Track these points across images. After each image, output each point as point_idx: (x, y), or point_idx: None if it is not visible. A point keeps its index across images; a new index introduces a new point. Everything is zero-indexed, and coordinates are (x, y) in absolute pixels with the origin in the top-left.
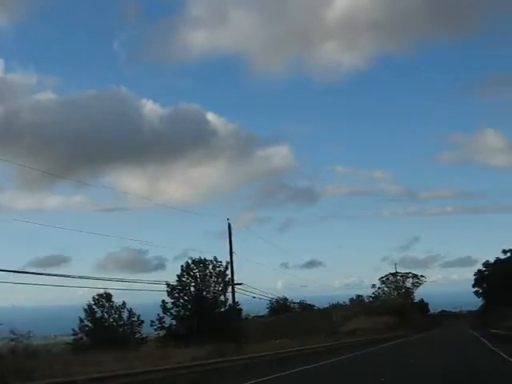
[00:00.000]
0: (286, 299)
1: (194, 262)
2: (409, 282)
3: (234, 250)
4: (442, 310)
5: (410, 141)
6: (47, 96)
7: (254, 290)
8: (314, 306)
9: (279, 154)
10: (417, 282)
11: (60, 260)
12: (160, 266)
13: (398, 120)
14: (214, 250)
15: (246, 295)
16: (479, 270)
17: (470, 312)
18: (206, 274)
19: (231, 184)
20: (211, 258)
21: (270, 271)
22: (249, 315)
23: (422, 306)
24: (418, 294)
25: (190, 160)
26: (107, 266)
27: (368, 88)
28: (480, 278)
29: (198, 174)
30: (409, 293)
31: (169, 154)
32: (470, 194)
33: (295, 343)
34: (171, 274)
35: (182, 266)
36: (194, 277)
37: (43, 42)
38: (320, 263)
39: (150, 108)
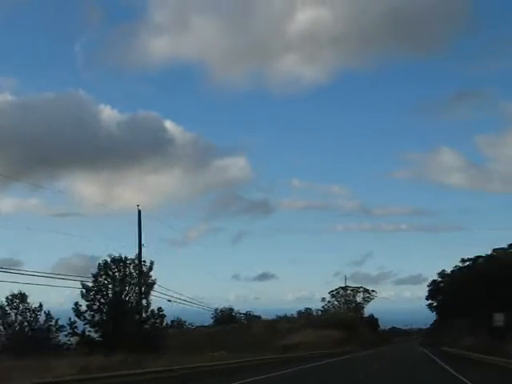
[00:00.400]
0: (231, 309)
1: (112, 260)
2: (359, 297)
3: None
4: (393, 327)
5: (367, 157)
6: (5, 98)
7: (174, 294)
8: (260, 317)
9: (236, 165)
10: (367, 297)
11: (11, 263)
12: None
13: (356, 135)
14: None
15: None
16: (434, 281)
17: (420, 330)
18: (126, 275)
19: (187, 193)
20: (133, 257)
21: (223, 282)
22: (192, 324)
23: (372, 321)
24: (369, 309)
25: (146, 167)
26: (59, 271)
27: (328, 102)
28: (434, 290)
29: (154, 181)
30: (359, 307)
31: (125, 161)
32: (425, 212)
33: (232, 356)
34: None
35: (98, 264)
36: (113, 277)
37: (1, 43)
38: (273, 276)
39: (108, 113)
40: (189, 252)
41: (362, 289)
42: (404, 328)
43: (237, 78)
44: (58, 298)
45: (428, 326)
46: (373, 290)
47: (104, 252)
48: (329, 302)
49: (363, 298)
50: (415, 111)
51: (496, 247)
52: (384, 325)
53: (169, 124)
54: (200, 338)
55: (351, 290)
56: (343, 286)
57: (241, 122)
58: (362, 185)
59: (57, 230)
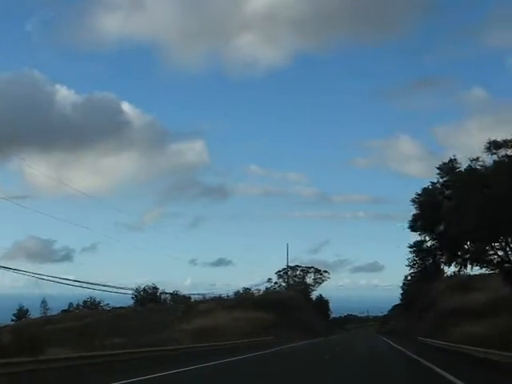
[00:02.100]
0: (155, 288)
1: None
2: (310, 278)
3: None
4: (348, 314)
5: (325, 144)
6: None
7: None
8: (190, 298)
9: (193, 150)
10: (319, 278)
11: None
12: (67, 257)
13: (315, 122)
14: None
15: None
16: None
17: (376, 317)
18: None
19: (143, 177)
20: None
21: (180, 267)
22: (108, 305)
23: (321, 304)
24: (326, 296)
25: (102, 150)
26: (14, 256)
27: (286, 86)
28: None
29: (110, 164)
30: (308, 289)
31: (80, 143)
32: (382, 201)
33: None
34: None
35: None
36: None
37: None
38: (230, 262)
39: (64, 94)
40: (144, 236)
41: (312, 269)
42: (360, 315)
43: (193, 58)
44: None
45: (385, 313)
46: (325, 271)
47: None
48: (275, 283)
49: (314, 280)
50: (375, 98)
51: None
52: (340, 312)
53: (126, 106)
54: (103, 322)
55: (301, 271)
56: (292, 265)
57: (198, 105)
58: (320, 172)
59: (11, 213)
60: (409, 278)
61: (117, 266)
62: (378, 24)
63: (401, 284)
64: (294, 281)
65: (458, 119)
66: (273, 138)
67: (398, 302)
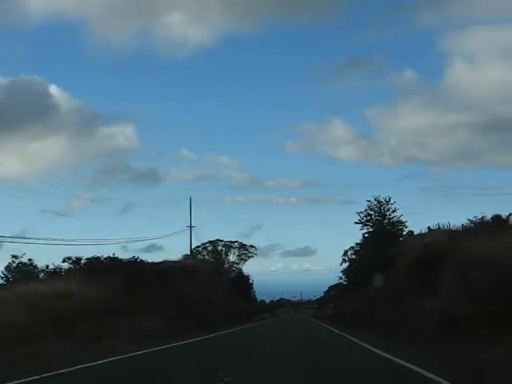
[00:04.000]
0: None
1: None
2: (233, 254)
3: None
4: (281, 298)
5: (257, 128)
6: None
7: None
8: None
9: (123, 133)
10: (244, 254)
11: None
12: None
13: (247, 104)
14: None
15: None
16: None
17: (310, 301)
18: None
19: (71, 162)
20: None
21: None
22: None
23: (241, 282)
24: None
25: (29, 134)
26: None
27: (216, 67)
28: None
29: (37, 149)
30: (231, 266)
31: (6, 127)
32: (315, 185)
33: None
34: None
35: None
36: None
37: None
38: (161, 247)
39: None
40: (74, 222)
41: (236, 244)
42: (293, 300)
43: (122, 38)
44: None
45: (318, 297)
46: (251, 246)
47: None
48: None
49: (238, 256)
50: (305, 80)
51: None
52: (272, 297)
53: (53, 89)
54: None
55: (223, 246)
56: (212, 239)
57: (128, 87)
58: (252, 156)
59: None
60: (355, 245)
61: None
62: (309, 3)
63: (340, 260)
64: (215, 257)
65: (390, 101)
66: (204, 121)
67: (334, 283)
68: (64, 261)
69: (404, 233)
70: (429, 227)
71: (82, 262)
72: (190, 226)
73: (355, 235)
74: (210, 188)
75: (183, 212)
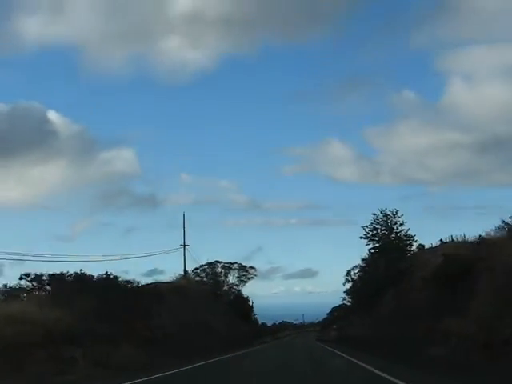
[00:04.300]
0: None
1: None
2: (233, 276)
3: None
4: (283, 321)
5: (256, 150)
6: None
7: None
8: None
9: (123, 158)
10: (244, 276)
11: None
12: None
13: (245, 127)
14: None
15: None
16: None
17: (312, 323)
18: None
19: (71, 187)
20: None
21: None
22: None
23: (240, 303)
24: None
25: (29, 161)
26: None
27: (214, 91)
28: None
29: (37, 175)
30: (230, 288)
31: (6, 153)
32: (315, 206)
33: None
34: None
35: None
36: None
37: None
38: (162, 271)
39: None
40: (75, 247)
41: (236, 265)
42: (295, 322)
43: (119, 63)
44: None
45: (320, 319)
46: (251, 267)
47: None
48: None
49: (238, 278)
50: (303, 101)
51: None
52: (275, 320)
53: (52, 115)
54: None
55: (222, 267)
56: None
57: (127, 112)
58: (251, 179)
59: None
60: (361, 261)
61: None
62: (305, 24)
63: (343, 280)
64: (214, 279)
65: (389, 121)
66: (203, 145)
67: (337, 304)
68: (21, 278)
69: (413, 247)
70: (441, 240)
71: (44, 279)
72: (184, 245)
73: (357, 255)
74: (210, 212)
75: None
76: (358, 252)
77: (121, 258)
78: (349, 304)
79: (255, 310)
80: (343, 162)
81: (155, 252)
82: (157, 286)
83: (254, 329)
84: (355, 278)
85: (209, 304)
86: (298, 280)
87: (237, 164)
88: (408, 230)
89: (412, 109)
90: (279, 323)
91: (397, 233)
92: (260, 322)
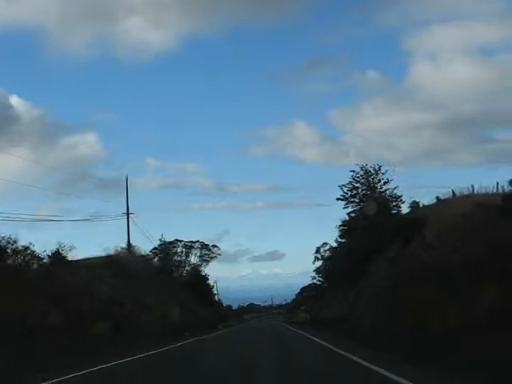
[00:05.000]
0: None
1: None
2: (195, 255)
3: None
4: (251, 303)
5: (221, 133)
6: None
7: None
8: None
9: (86, 143)
10: (206, 255)
11: None
12: None
13: (210, 109)
14: None
15: None
16: None
17: (280, 305)
18: None
19: (34, 173)
20: None
21: None
22: None
23: (198, 283)
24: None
25: None
26: None
27: (178, 72)
28: None
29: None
30: (193, 268)
31: None
32: (281, 189)
33: None
34: None
35: None
36: None
37: None
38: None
39: None
40: (39, 234)
41: (198, 244)
42: (263, 304)
43: (81, 45)
44: None
45: (289, 301)
46: (214, 245)
47: None
48: None
49: (200, 257)
50: (268, 82)
51: None
52: (243, 302)
53: (14, 99)
54: None
55: (183, 247)
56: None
57: (91, 95)
58: (217, 162)
59: None
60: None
61: None
62: (272, 4)
63: (311, 260)
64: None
65: (354, 102)
66: (168, 127)
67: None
68: None
69: (401, 210)
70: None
71: None
72: (128, 213)
73: (325, 236)
74: (176, 196)
75: (149, 220)
76: (324, 234)
77: (55, 220)
78: (319, 283)
79: (221, 293)
80: (309, 143)
81: (95, 218)
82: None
83: (217, 312)
84: (325, 255)
85: (156, 282)
86: (266, 262)
87: (203, 147)
88: (395, 189)
89: (377, 89)
90: (247, 306)
91: (381, 192)
92: (225, 305)
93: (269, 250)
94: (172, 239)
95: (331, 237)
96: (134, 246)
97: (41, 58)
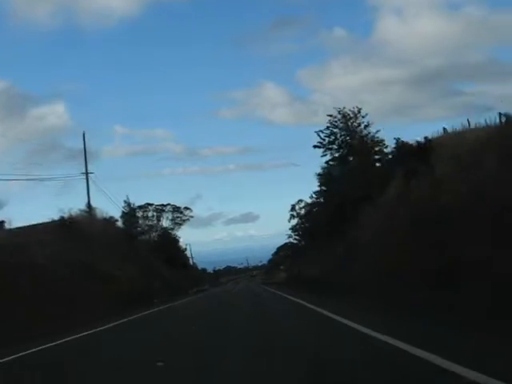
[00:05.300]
0: None
1: None
2: (166, 219)
3: None
4: (227, 266)
5: (190, 97)
6: None
7: None
8: None
9: (54, 113)
10: (178, 218)
11: None
12: None
13: (177, 74)
14: None
15: None
16: None
17: (256, 267)
18: None
19: (2, 146)
20: None
21: None
22: None
23: (167, 245)
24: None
25: None
26: None
27: (143, 37)
28: None
29: None
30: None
31: None
32: (252, 150)
33: None
34: None
35: None
36: None
37: None
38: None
39: None
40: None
41: (169, 207)
42: (239, 267)
43: (45, 13)
44: None
45: (265, 262)
46: (186, 208)
47: None
48: None
49: (172, 221)
50: (234, 44)
51: None
52: (219, 265)
53: None
54: None
55: (154, 210)
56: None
57: (55, 64)
58: (187, 127)
59: None
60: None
61: None
62: None
63: (287, 219)
64: (146, 224)
65: (321, 61)
66: (136, 94)
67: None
68: None
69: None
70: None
71: None
72: (86, 172)
73: (299, 196)
74: (146, 162)
75: (120, 187)
76: (299, 191)
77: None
78: (295, 242)
79: (196, 257)
80: (278, 104)
81: (51, 178)
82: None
83: (190, 275)
84: (301, 213)
85: (121, 247)
86: (240, 225)
87: (172, 112)
88: (377, 132)
89: (345, 46)
90: (223, 268)
91: (362, 137)
92: (200, 268)
93: (243, 212)
94: (143, 203)
95: (306, 195)
96: (95, 208)
97: (4, 27)
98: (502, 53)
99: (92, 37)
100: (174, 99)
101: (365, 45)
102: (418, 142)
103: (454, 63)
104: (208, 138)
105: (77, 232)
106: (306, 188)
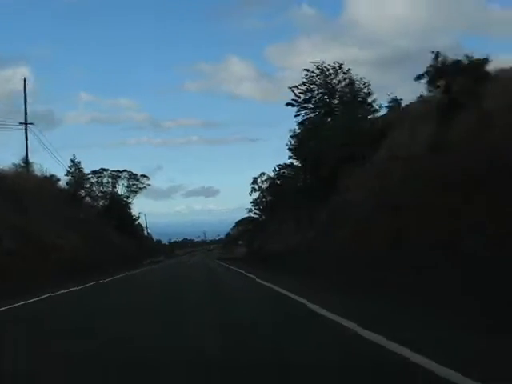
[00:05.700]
0: None
1: None
2: (122, 186)
3: None
4: (184, 239)
5: (155, 68)
6: None
7: None
8: None
9: (17, 77)
10: (135, 186)
11: None
12: None
13: (143, 45)
14: None
15: None
16: None
17: (213, 241)
18: None
19: None
20: None
21: None
22: None
23: (116, 210)
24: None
25: None
26: None
27: (111, 6)
28: None
29: None
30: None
31: None
32: (215, 124)
33: None
34: None
35: None
36: None
37: None
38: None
39: None
40: None
41: (125, 173)
42: (196, 240)
43: None
44: None
45: (223, 236)
46: (143, 175)
47: None
48: None
49: (128, 188)
50: (203, 18)
51: None
52: (175, 237)
53: None
54: None
55: (109, 176)
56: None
57: (20, 27)
58: (151, 97)
59: None
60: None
61: None
62: None
63: (248, 193)
64: (103, 191)
65: (290, 38)
66: (102, 62)
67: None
68: None
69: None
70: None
71: None
72: (26, 123)
73: (261, 170)
74: (109, 131)
75: (83, 154)
76: (260, 168)
77: None
78: (256, 216)
79: (153, 227)
80: (245, 79)
81: None
82: None
83: (144, 246)
84: (263, 186)
85: (63, 210)
86: (200, 198)
87: (137, 82)
88: (362, 90)
89: (314, 25)
90: (180, 241)
91: (342, 97)
92: (155, 239)
93: (203, 185)
94: (98, 168)
95: (268, 169)
96: (33, 163)
97: None
98: (469, 40)
99: (61, 2)
100: (141, 70)
101: (334, 24)
102: (468, 58)
103: (424, 45)
104: (172, 110)
105: (7, 188)
106: (269, 163)
